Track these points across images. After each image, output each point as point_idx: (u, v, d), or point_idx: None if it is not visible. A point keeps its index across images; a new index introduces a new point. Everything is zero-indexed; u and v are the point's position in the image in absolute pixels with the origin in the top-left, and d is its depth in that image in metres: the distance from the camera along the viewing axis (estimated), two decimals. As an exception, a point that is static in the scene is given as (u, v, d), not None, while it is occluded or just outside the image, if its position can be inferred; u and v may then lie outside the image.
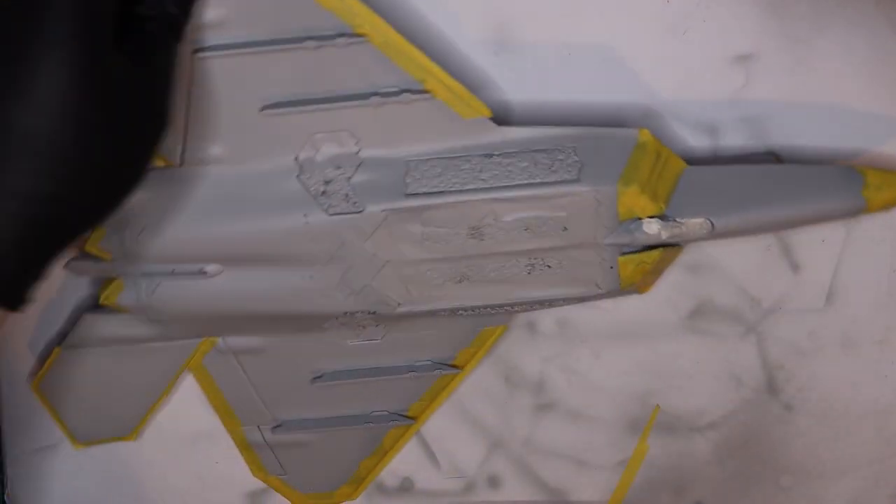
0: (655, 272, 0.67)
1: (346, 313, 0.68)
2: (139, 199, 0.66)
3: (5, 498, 0.79)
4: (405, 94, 0.66)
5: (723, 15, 0.68)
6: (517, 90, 0.69)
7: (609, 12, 0.69)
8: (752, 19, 0.68)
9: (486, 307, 0.68)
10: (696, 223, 0.64)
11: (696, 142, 0.69)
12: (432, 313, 0.68)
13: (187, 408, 0.76)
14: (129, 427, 0.75)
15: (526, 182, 0.65)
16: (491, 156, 0.66)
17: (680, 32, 0.69)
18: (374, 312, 0.68)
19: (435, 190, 0.65)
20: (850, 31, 0.68)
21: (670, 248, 0.66)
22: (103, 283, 0.71)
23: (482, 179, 0.65)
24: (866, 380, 0.73)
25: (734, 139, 0.69)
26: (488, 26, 0.69)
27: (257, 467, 0.76)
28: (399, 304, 0.67)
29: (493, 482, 0.76)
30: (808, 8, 0.68)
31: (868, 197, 0.64)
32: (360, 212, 0.65)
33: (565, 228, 0.65)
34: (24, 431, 0.78)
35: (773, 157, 0.69)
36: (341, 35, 0.65)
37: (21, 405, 0.77)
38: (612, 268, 0.65)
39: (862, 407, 0.73)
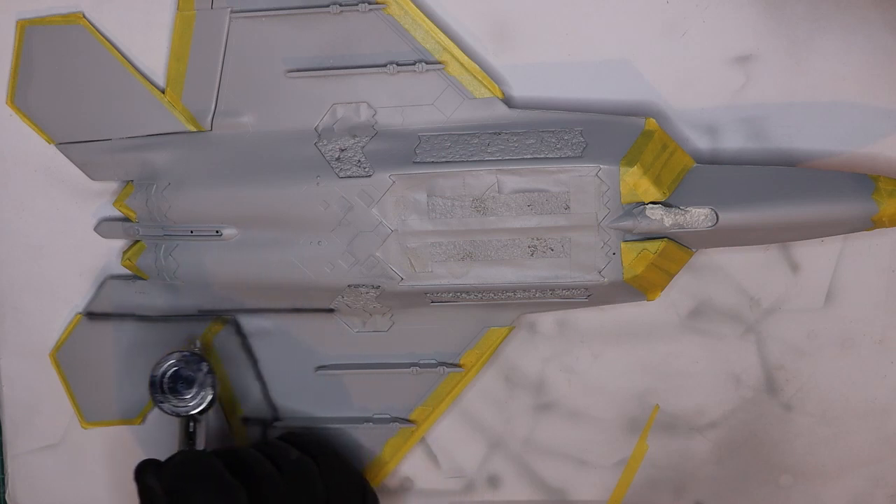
0: (662, 271, 0.67)
1: (350, 286, 0.69)
2: (167, 159, 0.71)
3: (5, 498, 0.79)
4: (420, 64, 0.69)
5: (722, 16, 0.69)
6: (517, 90, 0.70)
7: (609, 13, 0.69)
8: (751, 20, 0.69)
9: (488, 290, 0.68)
10: (700, 212, 0.65)
11: (699, 142, 0.70)
12: (436, 298, 0.69)
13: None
14: (137, 409, 0.76)
15: (530, 157, 0.66)
16: (500, 133, 0.68)
17: (679, 33, 0.69)
18: (377, 287, 0.69)
19: (442, 160, 0.67)
20: (848, 33, 0.68)
21: (680, 248, 0.67)
22: (128, 247, 0.74)
23: (489, 153, 0.67)
24: (865, 379, 0.73)
25: (734, 139, 0.70)
26: (488, 27, 0.70)
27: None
28: (402, 278, 0.68)
29: (493, 482, 0.76)
30: (806, 9, 0.68)
31: (879, 201, 0.64)
32: (369, 176, 0.67)
33: (567, 207, 0.66)
34: (24, 431, 0.78)
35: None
36: (363, 2, 0.68)
37: (21, 405, 0.78)
38: (614, 254, 0.66)
39: (861, 406, 0.73)
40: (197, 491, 0.64)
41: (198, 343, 0.72)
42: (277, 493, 0.65)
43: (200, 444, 0.69)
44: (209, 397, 0.69)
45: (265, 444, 0.71)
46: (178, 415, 0.69)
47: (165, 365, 0.69)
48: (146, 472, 0.66)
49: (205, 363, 0.69)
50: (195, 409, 0.69)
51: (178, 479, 0.65)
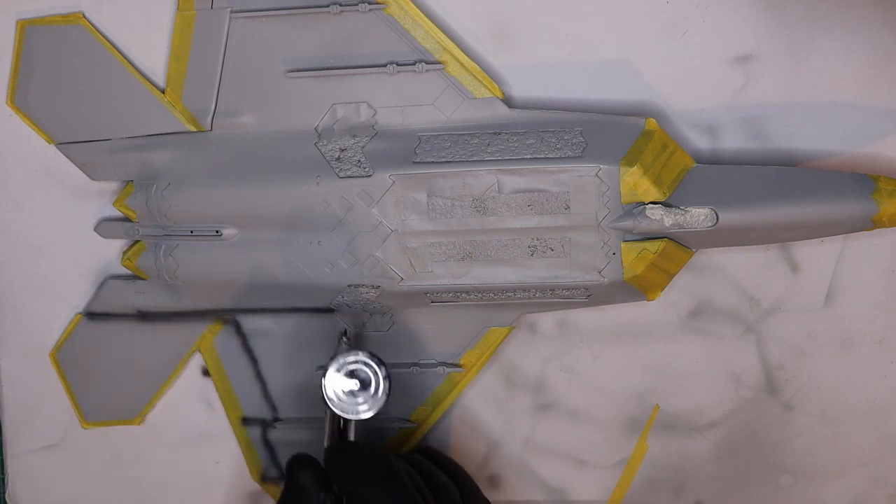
0: (662, 271, 0.67)
1: (350, 286, 0.69)
2: (167, 159, 0.71)
3: (5, 498, 0.79)
4: (420, 64, 0.69)
5: (722, 16, 0.69)
6: (517, 90, 0.70)
7: (609, 13, 0.69)
8: (751, 20, 0.69)
9: (488, 290, 0.68)
10: (700, 212, 0.65)
11: (699, 142, 0.70)
12: (436, 298, 0.69)
13: (189, 408, 0.76)
14: (136, 410, 0.76)
15: (530, 157, 0.66)
16: (500, 133, 0.68)
17: (679, 33, 0.69)
18: (377, 287, 0.69)
19: (442, 160, 0.67)
20: (848, 33, 0.68)
21: (680, 248, 0.67)
22: (128, 247, 0.74)
23: (489, 153, 0.67)
24: (865, 379, 0.73)
25: (734, 139, 0.70)
26: (488, 27, 0.70)
27: (256, 469, 0.76)
28: (402, 278, 0.68)
29: (493, 482, 0.76)
30: (806, 9, 0.68)
31: (879, 201, 0.64)
32: (369, 176, 0.67)
33: (567, 207, 0.66)
34: (24, 431, 0.78)
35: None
36: (363, 1, 0.68)
37: (21, 405, 0.78)
38: (614, 254, 0.66)
39: (861, 406, 0.73)
40: (378, 493, 0.62)
41: (348, 338, 0.70)
42: None
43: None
44: (381, 405, 0.66)
45: (416, 460, 0.68)
46: (341, 414, 0.66)
47: (345, 360, 0.66)
48: (300, 467, 0.64)
49: (383, 367, 0.66)
50: (364, 413, 0.66)
51: (358, 477, 0.63)
